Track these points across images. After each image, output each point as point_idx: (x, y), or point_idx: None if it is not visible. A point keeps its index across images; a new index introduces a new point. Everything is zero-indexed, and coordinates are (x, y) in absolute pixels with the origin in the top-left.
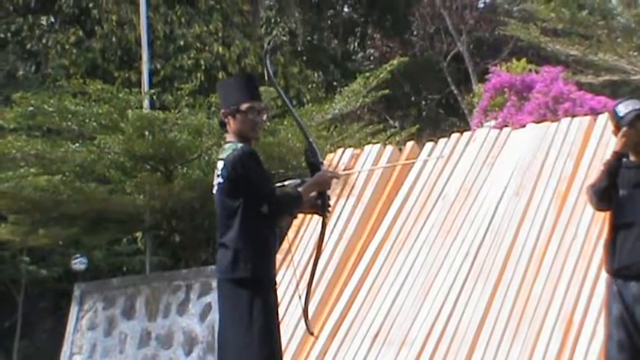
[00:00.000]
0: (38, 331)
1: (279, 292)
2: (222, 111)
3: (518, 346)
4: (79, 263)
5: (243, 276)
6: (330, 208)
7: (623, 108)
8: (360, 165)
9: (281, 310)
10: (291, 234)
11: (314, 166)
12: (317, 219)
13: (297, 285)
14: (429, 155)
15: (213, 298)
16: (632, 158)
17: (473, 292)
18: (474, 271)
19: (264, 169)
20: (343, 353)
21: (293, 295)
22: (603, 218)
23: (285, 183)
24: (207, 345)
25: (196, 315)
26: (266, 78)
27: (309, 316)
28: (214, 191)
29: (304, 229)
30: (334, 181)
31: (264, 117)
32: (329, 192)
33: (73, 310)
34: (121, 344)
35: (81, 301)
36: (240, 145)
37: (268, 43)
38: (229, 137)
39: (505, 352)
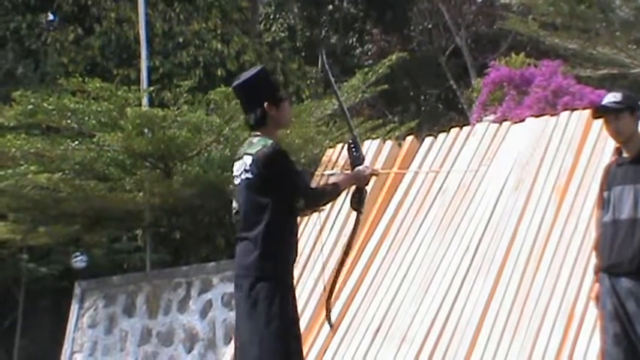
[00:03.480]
0: (39, 330)
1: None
2: (267, 104)
3: (519, 341)
4: (79, 261)
5: (265, 275)
6: (364, 206)
7: (605, 99)
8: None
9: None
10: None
11: (356, 159)
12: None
13: (322, 271)
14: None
15: (213, 294)
16: (624, 154)
17: (473, 288)
18: (474, 267)
19: (294, 163)
20: (344, 350)
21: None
22: None
23: (326, 173)
24: (208, 342)
25: (197, 312)
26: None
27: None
28: (238, 184)
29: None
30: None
31: None
32: (367, 188)
33: (73, 308)
34: (122, 342)
35: (81, 299)
36: (269, 141)
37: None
38: (261, 131)
39: (506, 347)
